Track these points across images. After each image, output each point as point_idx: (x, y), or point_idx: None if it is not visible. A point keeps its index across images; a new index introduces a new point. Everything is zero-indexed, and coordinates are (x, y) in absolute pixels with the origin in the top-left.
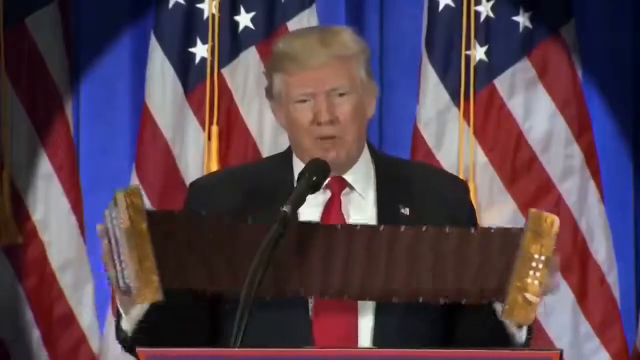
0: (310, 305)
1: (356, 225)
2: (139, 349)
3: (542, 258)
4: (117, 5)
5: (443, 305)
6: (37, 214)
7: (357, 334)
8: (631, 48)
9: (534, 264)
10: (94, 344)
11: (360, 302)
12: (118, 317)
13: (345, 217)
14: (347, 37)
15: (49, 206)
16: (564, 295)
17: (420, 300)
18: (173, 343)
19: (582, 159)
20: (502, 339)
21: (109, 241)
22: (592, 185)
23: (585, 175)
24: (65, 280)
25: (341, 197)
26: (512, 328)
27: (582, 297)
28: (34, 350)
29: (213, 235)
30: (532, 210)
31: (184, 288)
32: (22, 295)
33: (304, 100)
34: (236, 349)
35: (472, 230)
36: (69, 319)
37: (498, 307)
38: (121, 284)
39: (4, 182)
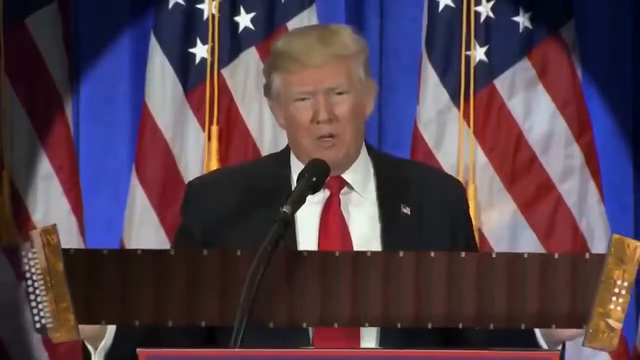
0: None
1: (366, 252)
2: (139, 350)
3: (625, 284)
4: (117, 5)
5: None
6: (37, 214)
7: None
8: (631, 48)
9: (616, 290)
10: None
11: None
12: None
13: (344, 216)
14: (346, 36)
15: (49, 206)
16: None
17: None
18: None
19: (582, 159)
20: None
21: (26, 280)
22: (592, 185)
23: (585, 175)
24: None
25: (340, 196)
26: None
27: None
28: (33, 350)
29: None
30: (615, 236)
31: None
32: (22, 295)
33: (303, 99)
34: (236, 349)
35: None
36: None
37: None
38: (37, 324)
39: (4, 182)
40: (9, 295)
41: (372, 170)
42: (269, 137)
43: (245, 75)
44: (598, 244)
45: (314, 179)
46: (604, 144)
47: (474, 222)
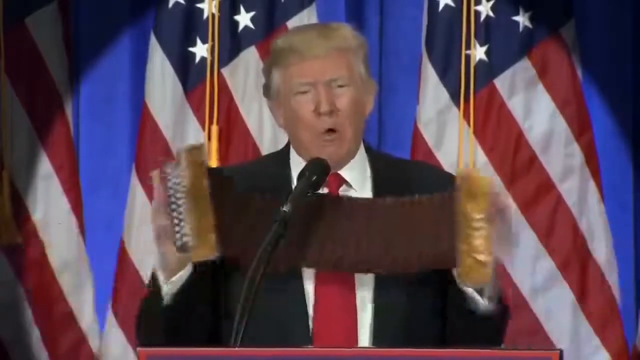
0: (310, 312)
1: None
2: (139, 349)
3: (482, 216)
4: (117, 5)
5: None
6: (37, 214)
7: (357, 335)
8: (631, 48)
9: (475, 224)
10: (94, 344)
11: (359, 303)
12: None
13: None
14: (346, 31)
15: (49, 206)
16: (564, 295)
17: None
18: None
19: (582, 159)
20: (468, 315)
21: (168, 196)
22: (592, 185)
23: (585, 175)
24: (65, 280)
25: (338, 193)
26: (474, 300)
27: (582, 297)
28: (33, 350)
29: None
30: (459, 170)
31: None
32: (22, 295)
33: (304, 92)
34: (236, 349)
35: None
36: (69, 319)
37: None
38: (177, 241)
39: (4, 182)
40: (9, 295)
41: (369, 168)
42: (269, 137)
43: (245, 74)
44: (598, 244)
45: (314, 177)
46: (604, 143)
47: None
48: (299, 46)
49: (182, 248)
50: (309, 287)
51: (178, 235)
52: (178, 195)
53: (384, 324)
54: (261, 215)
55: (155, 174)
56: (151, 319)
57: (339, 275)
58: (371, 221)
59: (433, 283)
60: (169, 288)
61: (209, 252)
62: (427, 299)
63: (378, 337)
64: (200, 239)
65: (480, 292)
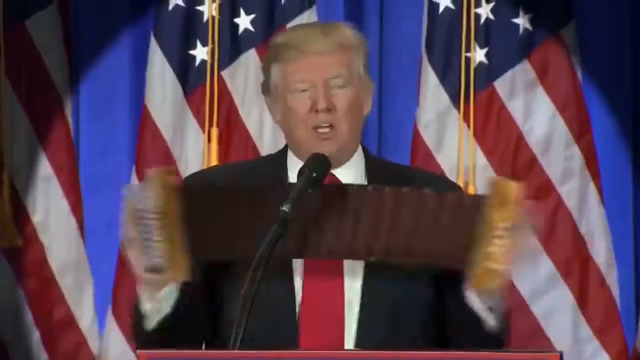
0: (297, 310)
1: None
2: (139, 351)
3: (506, 226)
4: (117, 5)
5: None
6: (37, 216)
7: (344, 335)
8: (631, 48)
9: (498, 232)
10: (93, 345)
11: (347, 303)
12: (136, 303)
13: None
14: (347, 30)
15: (49, 207)
16: (564, 297)
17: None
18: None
19: (582, 161)
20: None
21: (139, 220)
22: (592, 187)
23: (585, 177)
24: (65, 282)
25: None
26: (482, 312)
27: (582, 299)
28: (34, 352)
29: (231, 204)
30: (493, 178)
31: (210, 258)
32: (22, 297)
33: (303, 90)
34: (235, 351)
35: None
36: (69, 320)
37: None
38: (148, 262)
39: (3, 184)
40: (8, 297)
41: (363, 170)
42: (269, 139)
43: (245, 77)
44: (598, 246)
45: (314, 175)
46: (604, 144)
47: None
48: (299, 42)
49: (153, 269)
50: (298, 280)
51: (147, 257)
52: (146, 216)
53: (371, 313)
54: (252, 207)
55: (125, 191)
56: (142, 339)
57: (326, 266)
58: (396, 210)
59: (427, 279)
60: (150, 308)
61: (178, 275)
62: (417, 296)
63: (364, 328)
64: (171, 261)
65: (488, 307)
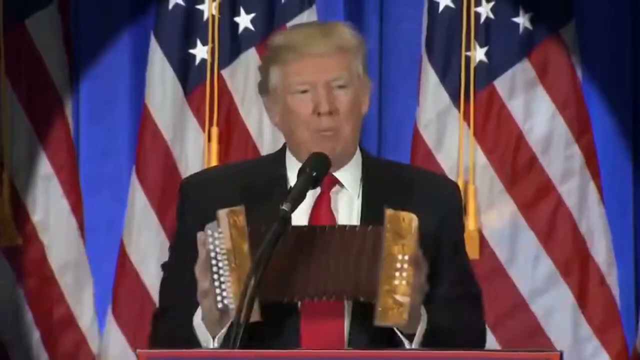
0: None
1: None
2: (139, 351)
3: (406, 258)
4: (117, 4)
5: None
6: (37, 215)
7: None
8: (631, 48)
9: (398, 265)
10: (93, 344)
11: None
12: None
13: (334, 214)
14: (345, 30)
15: (49, 207)
16: (564, 296)
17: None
18: None
19: (582, 161)
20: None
21: (210, 259)
22: (592, 186)
23: (585, 176)
24: (65, 282)
25: (330, 194)
26: (401, 336)
27: (582, 298)
28: (34, 351)
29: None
30: (389, 211)
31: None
32: (22, 296)
33: (303, 91)
34: (235, 351)
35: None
36: (69, 320)
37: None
38: (219, 304)
39: (4, 183)
40: (8, 297)
41: (361, 170)
42: (269, 139)
43: (245, 76)
44: (598, 245)
45: (314, 174)
46: (604, 144)
47: (473, 223)
48: (298, 44)
49: (223, 309)
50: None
51: (219, 298)
52: (219, 257)
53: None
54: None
55: (199, 235)
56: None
57: None
58: (316, 249)
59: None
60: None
61: (252, 315)
62: None
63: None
64: (241, 303)
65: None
